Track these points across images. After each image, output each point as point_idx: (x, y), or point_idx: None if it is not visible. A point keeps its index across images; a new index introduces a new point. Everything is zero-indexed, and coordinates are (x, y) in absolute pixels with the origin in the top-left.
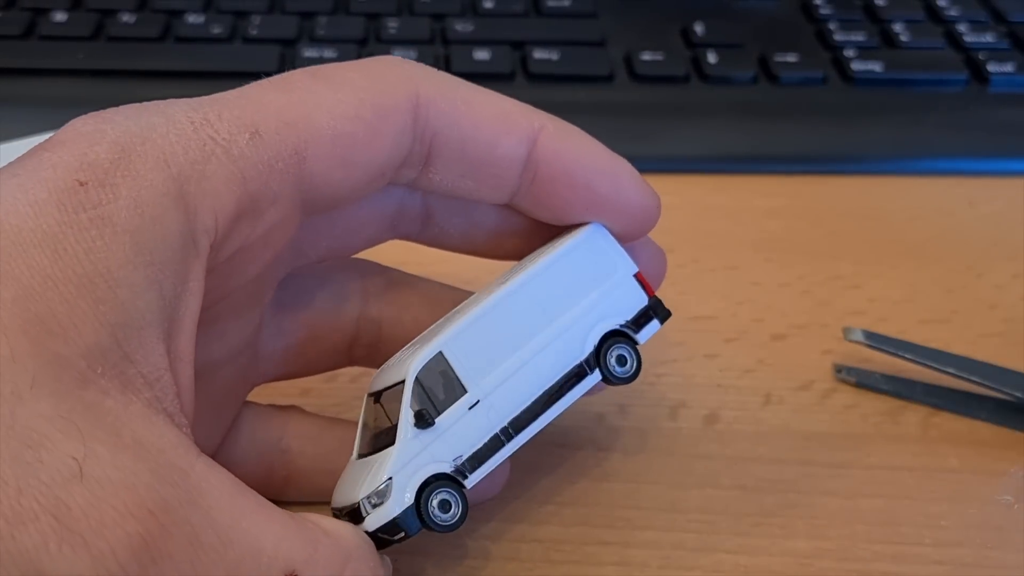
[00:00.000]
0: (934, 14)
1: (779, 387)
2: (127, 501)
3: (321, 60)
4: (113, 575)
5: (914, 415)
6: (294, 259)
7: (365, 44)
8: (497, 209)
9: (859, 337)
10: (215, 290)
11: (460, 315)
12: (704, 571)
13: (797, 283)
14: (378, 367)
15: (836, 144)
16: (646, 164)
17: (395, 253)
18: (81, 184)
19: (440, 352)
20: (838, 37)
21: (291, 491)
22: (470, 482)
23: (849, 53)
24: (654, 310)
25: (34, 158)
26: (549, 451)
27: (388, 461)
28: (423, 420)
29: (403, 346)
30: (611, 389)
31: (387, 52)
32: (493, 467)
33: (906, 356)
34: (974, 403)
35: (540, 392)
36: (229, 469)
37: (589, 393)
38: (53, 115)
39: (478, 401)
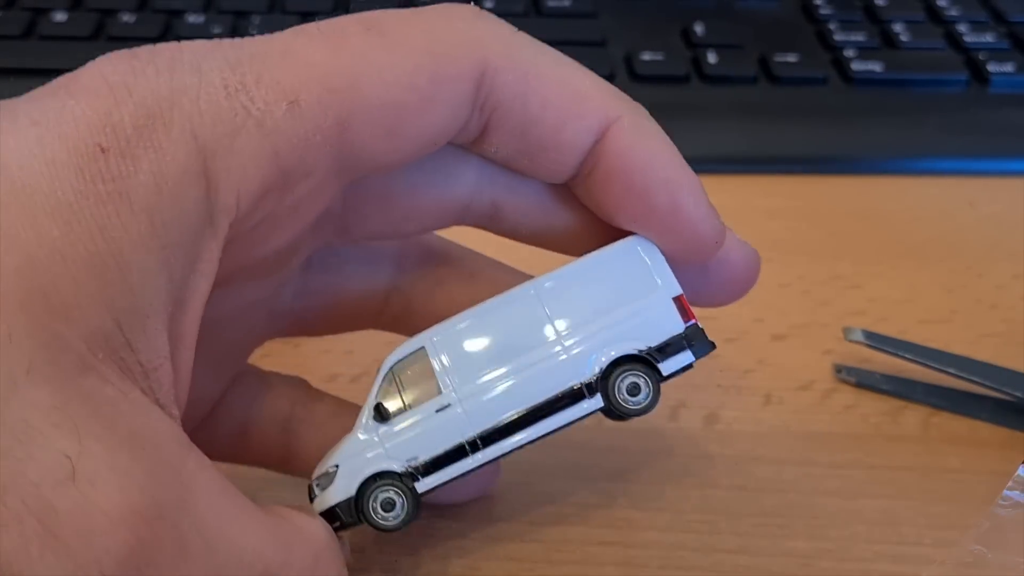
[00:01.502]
0: (934, 14)
1: (779, 387)
2: (119, 506)
3: None
4: None
5: (914, 415)
6: (336, 235)
7: None
8: (575, 210)
9: (859, 337)
10: (233, 260)
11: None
12: (704, 571)
13: (797, 283)
14: (406, 334)
15: (836, 144)
16: None
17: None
18: (103, 150)
19: (423, 347)
20: (838, 37)
21: (286, 468)
22: (422, 486)
23: (849, 53)
24: (689, 339)
25: (55, 104)
26: (549, 451)
27: (340, 447)
28: (380, 415)
29: (433, 323)
30: None
31: None
32: (452, 477)
33: (906, 356)
34: (974, 403)
35: (524, 408)
36: (227, 433)
37: (581, 420)
38: None
39: (449, 405)
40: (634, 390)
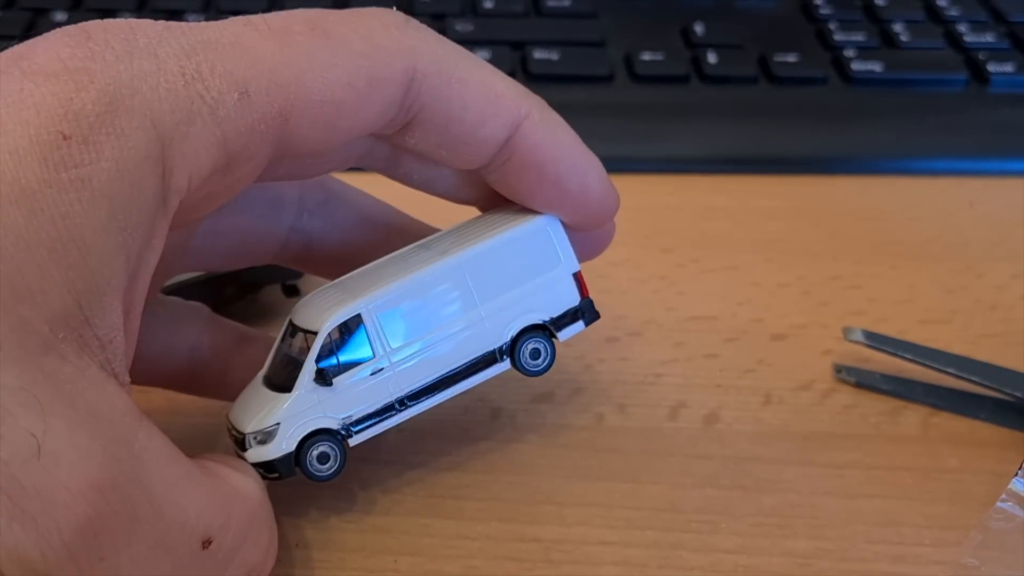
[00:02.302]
0: (934, 14)
1: (779, 387)
2: (79, 481)
3: None
4: (56, 551)
5: (914, 415)
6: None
7: None
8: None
9: (859, 337)
10: (168, 226)
11: (392, 274)
12: (703, 571)
13: (797, 283)
14: (304, 271)
15: (836, 144)
16: (646, 164)
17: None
18: (65, 138)
19: (359, 314)
20: (838, 37)
21: (193, 391)
22: (354, 441)
23: (849, 53)
24: (583, 312)
25: (12, 86)
26: (549, 452)
27: (281, 406)
28: (323, 378)
29: (330, 262)
30: (611, 390)
31: None
32: (379, 431)
33: (906, 356)
34: (974, 403)
35: (447, 371)
36: (136, 359)
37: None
38: None
39: (382, 369)
40: (535, 354)
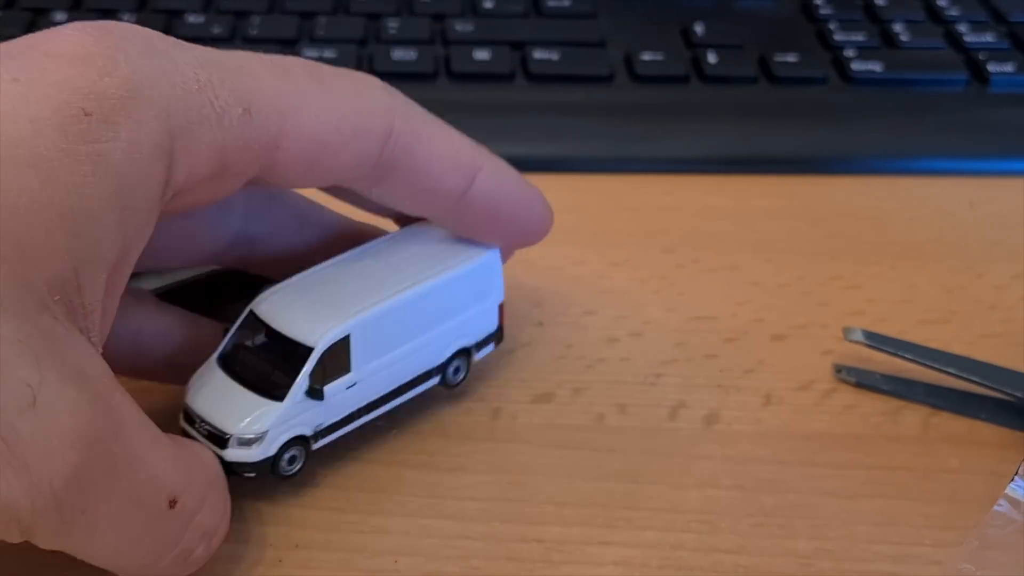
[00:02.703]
0: (934, 14)
1: (779, 387)
2: (70, 432)
3: (321, 60)
4: (45, 500)
5: (914, 415)
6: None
7: (365, 44)
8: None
9: (859, 337)
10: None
11: (361, 289)
12: (704, 571)
13: (797, 283)
14: (251, 269)
15: (836, 144)
16: (646, 164)
17: None
18: (86, 114)
19: (348, 335)
20: (838, 37)
21: (136, 374)
22: (317, 445)
23: (849, 53)
24: (496, 337)
25: (35, 64)
26: (550, 452)
27: (271, 414)
28: (316, 393)
29: (271, 263)
30: (611, 390)
31: (387, 52)
32: (337, 437)
33: (906, 356)
34: (974, 403)
35: (398, 385)
36: None
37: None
38: None
39: (356, 383)
40: (457, 371)
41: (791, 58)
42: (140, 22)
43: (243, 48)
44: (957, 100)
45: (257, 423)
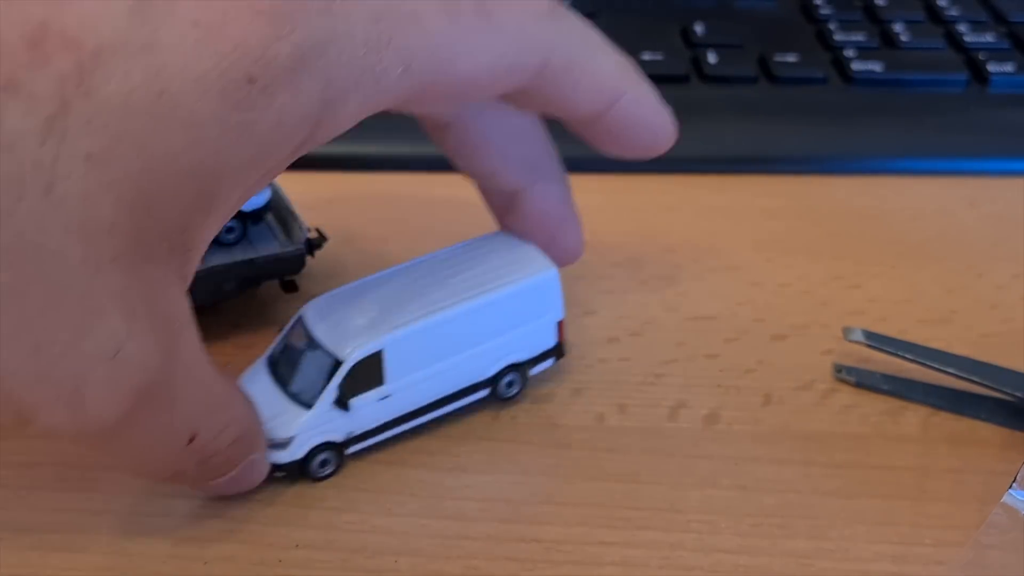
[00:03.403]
0: (934, 14)
1: (779, 387)
2: (136, 384)
3: None
4: (88, 432)
5: (914, 415)
6: None
7: None
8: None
9: (859, 337)
10: None
11: (407, 302)
12: (704, 571)
13: (797, 283)
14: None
15: (836, 144)
16: (646, 164)
17: None
18: (250, 82)
19: (381, 350)
20: (838, 37)
21: None
22: (351, 450)
23: (849, 53)
24: (556, 351)
25: (218, 5)
26: (549, 451)
27: (299, 420)
28: (343, 404)
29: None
30: (611, 390)
31: None
32: (372, 443)
33: (906, 356)
34: (974, 403)
35: (438, 397)
36: None
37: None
38: None
39: (389, 396)
40: (510, 384)
41: (791, 58)
42: None
43: None
44: (957, 100)
45: (286, 428)
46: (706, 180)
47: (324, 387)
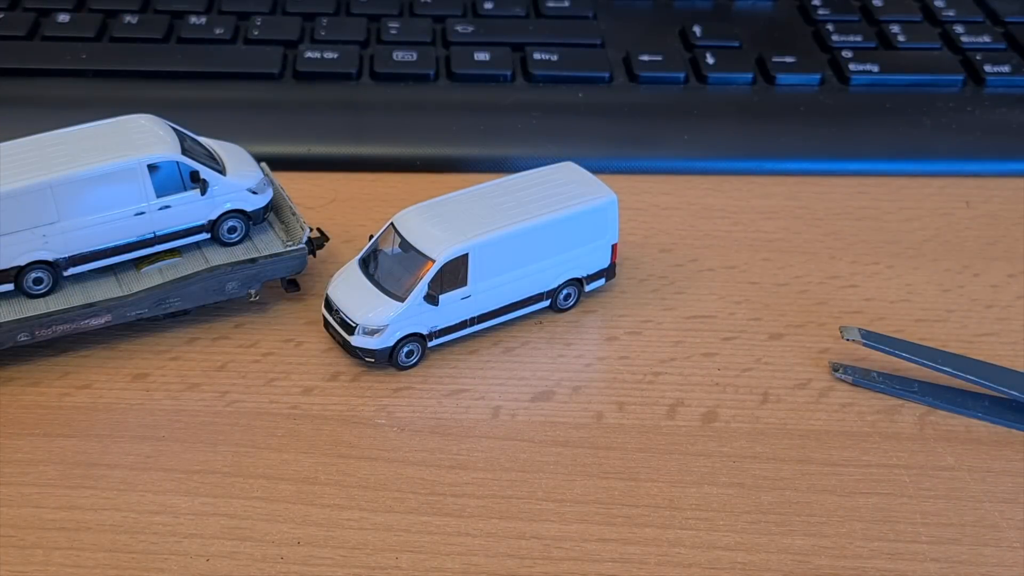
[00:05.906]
0: (931, 16)
1: (777, 386)
2: None
3: (322, 60)
4: None
5: (910, 413)
6: None
7: (366, 45)
8: None
9: (856, 336)
10: None
11: (487, 217)
12: (702, 568)
13: (795, 283)
14: None
15: (833, 145)
16: (645, 164)
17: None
18: None
19: (467, 253)
20: (835, 39)
21: None
22: (432, 343)
23: (846, 55)
24: (608, 272)
25: None
26: (549, 450)
27: (392, 311)
28: (432, 300)
29: None
30: (610, 389)
31: (388, 54)
32: (451, 339)
33: (902, 355)
34: (970, 401)
35: (509, 303)
36: None
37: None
38: (56, 116)
39: (470, 296)
40: (567, 298)
41: (789, 60)
42: (143, 23)
43: (245, 49)
44: (953, 101)
45: (380, 317)
46: (704, 180)
47: (416, 283)
